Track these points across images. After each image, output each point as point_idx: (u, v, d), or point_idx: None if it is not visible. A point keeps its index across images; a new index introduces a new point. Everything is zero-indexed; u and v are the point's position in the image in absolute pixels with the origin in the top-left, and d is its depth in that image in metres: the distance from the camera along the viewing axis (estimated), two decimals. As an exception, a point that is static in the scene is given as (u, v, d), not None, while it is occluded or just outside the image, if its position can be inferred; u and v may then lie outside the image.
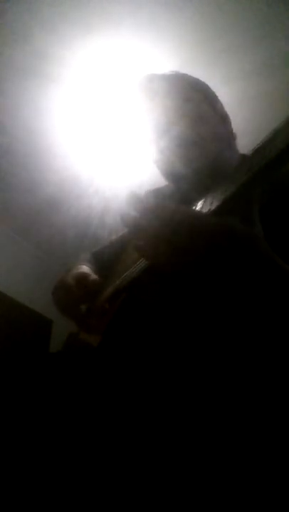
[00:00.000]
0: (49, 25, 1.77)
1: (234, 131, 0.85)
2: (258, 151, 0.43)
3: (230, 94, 1.83)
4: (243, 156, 0.78)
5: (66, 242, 2.95)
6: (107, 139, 2.27)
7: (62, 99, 2.08)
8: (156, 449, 0.57)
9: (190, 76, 0.83)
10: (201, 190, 0.58)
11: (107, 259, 0.89)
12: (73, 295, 0.80)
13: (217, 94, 0.86)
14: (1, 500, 0.64)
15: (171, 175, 0.79)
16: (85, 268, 0.86)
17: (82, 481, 0.60)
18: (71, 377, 0.74)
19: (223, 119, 0.82)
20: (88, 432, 0.64)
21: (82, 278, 0.81)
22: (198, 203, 0.53)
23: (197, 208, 0.52)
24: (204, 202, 0.51)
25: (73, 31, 1.79)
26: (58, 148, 2.34)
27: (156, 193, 0.86)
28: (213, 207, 0.48)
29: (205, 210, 0.50)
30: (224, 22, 1.77)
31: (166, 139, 0.76)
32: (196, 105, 0.77)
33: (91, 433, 0.64)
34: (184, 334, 0.62)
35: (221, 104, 0.84)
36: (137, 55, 1.88)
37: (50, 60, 1.89)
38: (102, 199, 2.52)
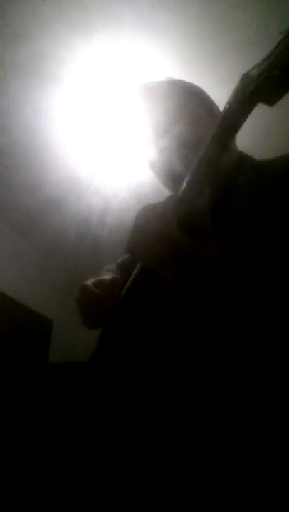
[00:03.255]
0: (49, 25, 1.77)
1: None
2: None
3: (230, 94, 1.83)
4: (241, 154, 0.79)
5: (66, 242, 2.96)
6: (107, 139, 2.27)
7: (63, 99, 2.08)
8: (156, 454, 0.57)
9: (184, 81, 0.84)
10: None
11: (129, 270, 0.90)
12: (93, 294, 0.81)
13: (216, 94, 0.86)
14: (2, 502, 0.64)
15: (171, 175, 0.79)
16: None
17: (82, 484, 0.60)
18: (70, 383, 0.75)
19: None
20: (87, 435, 0.64)
21: (99, 282, 0.83)
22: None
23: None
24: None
25: (73, 31, 1.79)
26: (58, 148, 2.34)
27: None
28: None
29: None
30: (224, 22, 1.77)
31: (167, 138, 0.76)
32: (193, 107, 0.78)
33: (90, 437, 0.64)
34: (174, 340, 0.63)
35: (217, 107, 0.85)
36: (137, 55, 1.89)
37: (50, 60, 1.89)
38: (102, 199, 2.53)
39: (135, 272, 0.69)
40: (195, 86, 0.85)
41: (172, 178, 0.79)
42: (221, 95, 0.88)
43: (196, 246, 0.50)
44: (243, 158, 0.76)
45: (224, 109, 0.50)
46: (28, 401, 0.76)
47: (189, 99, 0.79)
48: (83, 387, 0.71)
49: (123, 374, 0.67)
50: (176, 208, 0.51)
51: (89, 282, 0.85)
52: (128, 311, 0.72)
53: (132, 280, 0.70)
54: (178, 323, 0.63)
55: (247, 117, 0.47)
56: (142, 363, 0.65)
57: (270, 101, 0.46)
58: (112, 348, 0.72)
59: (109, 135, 2.24)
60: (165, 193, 0.89)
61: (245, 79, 0.47)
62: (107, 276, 0.87)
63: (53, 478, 0.63)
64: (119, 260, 1.01)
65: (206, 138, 0.77)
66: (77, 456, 0.63)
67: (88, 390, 0.70)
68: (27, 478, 0.65)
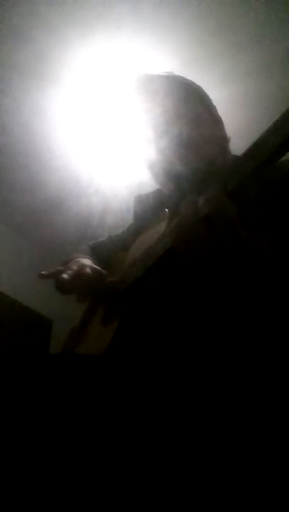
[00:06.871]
0: (49, 26, 1.77)
1: (234, 130, 0.85)
2: (265, 135, 0.48)
3: (230, 94, 1.84)
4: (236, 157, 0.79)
5: (66, 242, 2.95)
6: (107, 139, 2.27)
7: (63, 99, 2.08)
8: (158, 452, 0.57)
9: (186, 78, 0.84)
10: (200, 189, 0.58)
11: (106, 255, 0.89)
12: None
13: (217, 94, 0.86)
14: (1, 501, 0.64)
15: (171, 174, 0.79)
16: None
17: (83, 483, 0.60)
18: (73, 381, 0.74)
19: (218, 122, 0.83)
20: (89, 435, 0.64)
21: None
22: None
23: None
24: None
25: (74, 32, 1.79)
26: (58, 149, 2.34)
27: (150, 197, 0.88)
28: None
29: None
30: (224, 22, 1.77)
31: (166, 138, 0.76)
32: (193, 106, 0.78)
33: (92, 436, 0.64)
34: (188, 337, 0.63)
35: (215, 108, 0.85)
36: (137, 55, 1.89)
37: (50, 60, 1.89)
38: (102, 199, 2.53)
39: (155, 259, 0.66)
40: (195, 84, 0.84)
41: (172, 179, 0.79)
42: (221, 95, 0.88)
43: (256, 238, 0.52)
44: None
45: (266, 137, 0.47)
46: (28, 401, 0.76)
47: (189, 97, 0.79)
48: (87, 380, 0.71)
49: (134, 364, 0.66)
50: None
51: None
52: (137, 309, 0.71)
53: (152, 265, 0.68)
54: (199, 313, 0.62)
55: None
56: (153, 353, 0.65)
57: None
58: (125, 350, 0.71)
59: (109, 135, 2.24)
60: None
61: None
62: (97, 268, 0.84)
63: (53, 472, 0.63)
64: (90, 243, 0.99)
65: (206, 137, 0.78)
66: (77, 456, 0.63)
67: (92, 383, 0.69)
68: (28, 473, 0.65)
